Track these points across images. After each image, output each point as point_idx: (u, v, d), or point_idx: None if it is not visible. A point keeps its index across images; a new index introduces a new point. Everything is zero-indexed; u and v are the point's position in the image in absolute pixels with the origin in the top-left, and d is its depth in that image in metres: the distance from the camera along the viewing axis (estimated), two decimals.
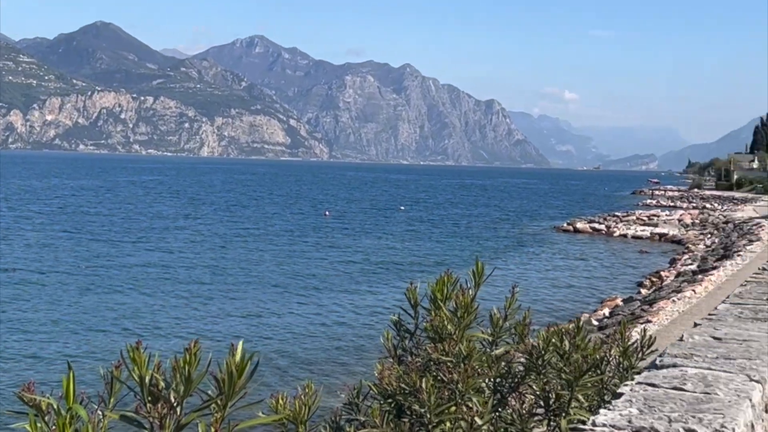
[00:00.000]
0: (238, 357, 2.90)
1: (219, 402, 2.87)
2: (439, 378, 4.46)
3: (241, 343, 2.99)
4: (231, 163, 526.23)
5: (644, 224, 77.26)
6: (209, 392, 2.95)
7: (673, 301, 28.79)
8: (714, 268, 38.51)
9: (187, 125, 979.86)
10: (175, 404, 2.88)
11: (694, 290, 30.48)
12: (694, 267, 43.00)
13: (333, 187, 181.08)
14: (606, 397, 4.76)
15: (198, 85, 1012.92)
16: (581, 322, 4.96)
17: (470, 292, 5.09)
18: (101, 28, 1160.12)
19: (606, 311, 32.49)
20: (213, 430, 2.86)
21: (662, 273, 43.49)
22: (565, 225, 78.41)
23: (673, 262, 49.65)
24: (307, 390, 4.42)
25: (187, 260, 48.79)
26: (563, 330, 4.80)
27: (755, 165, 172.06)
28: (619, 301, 35.00)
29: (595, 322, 29.23)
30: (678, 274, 41.16)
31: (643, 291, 38.37)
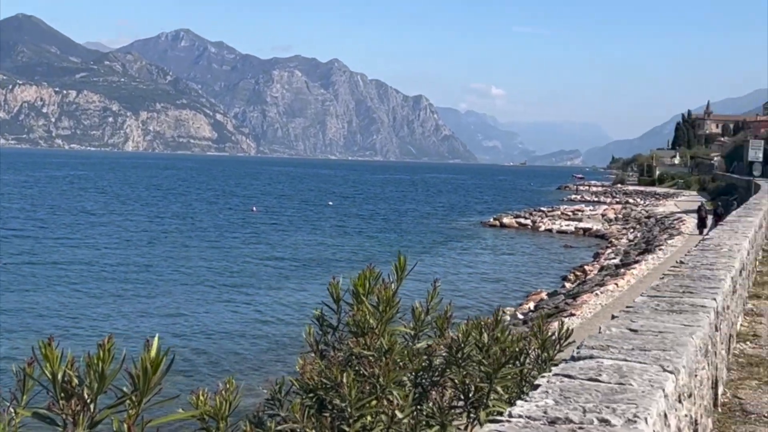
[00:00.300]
0: (153, 353, 2.87)
1: (133, 398, 2.84)
2: (360, 372, 4.48)
3: (156, 338, 2.96)
4: (156, 158, 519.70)
5: (569, 219, 78.34)
6: (124, 389, 2.92)
7: (596, 294, 29.28)
8: (636, 261, 39.25)
9: (111, 120, 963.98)
10: (88, 401, 2.84)
11: (616, 284, 31.02)
12: (617, 261, 43.77)
13: (260, 183, 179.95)
14: (525, 389, 4.82)
15: (122, 79, 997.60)
16: (500, 315, 5.02)
17: (393, 287, 5.11)
18: (23, 21, 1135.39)
19: (531, 305, 32.89)
20: (126, 426, 2.83)
21: (586, 267, 44.17)
22: (491, 220, 79.05)
23: (596, 256, 50.47)
24: (228, 386, 4.40)
25: (112, 257, 48.08)
26: (482, 323, 4.85)
27: (677, 161, 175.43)
28: (544, 295, 35.44)
29: (521, 316, 29.58)
30: (601, 268, 41.86)
31: (568, 285, 38.93)
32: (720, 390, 7.82)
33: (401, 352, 4.71)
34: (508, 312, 30.82)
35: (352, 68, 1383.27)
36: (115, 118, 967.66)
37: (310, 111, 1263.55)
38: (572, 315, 25.14)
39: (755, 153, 49.89)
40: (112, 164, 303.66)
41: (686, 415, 4.90)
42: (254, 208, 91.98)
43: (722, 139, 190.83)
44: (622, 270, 36.58)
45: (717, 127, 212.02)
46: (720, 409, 7.53)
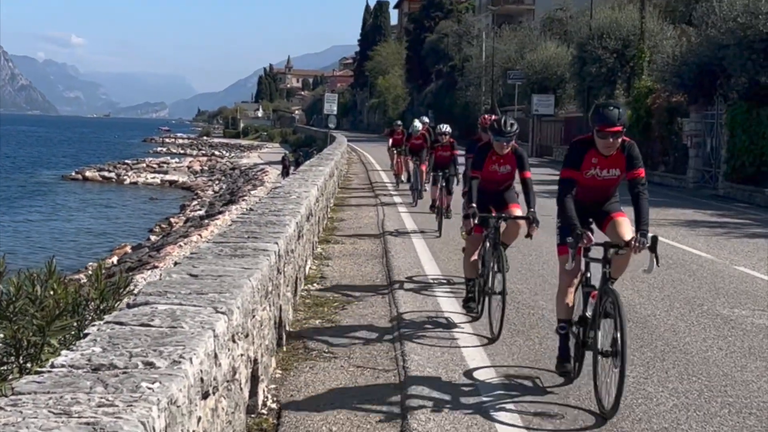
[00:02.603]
0: None
1: None
2: None
3: None
4: None
5: (155, 172, 77.54)
6: None
7: (180, 246, 29.39)
8: (220, 212, 39.93)
9: None
10: None
11: (200, 234, 31.33)
12: (202, 212, 44.24)
13: None
14: None
15: None
16: (53, 266, 4.89)
17: None
18: None
19: (114, 259, 32.24)
20: None
21: (172, 219, 44.11)
22: (74, 174, 76.20)
23: (182, 208, 50.58)
24: None
25: None
26: (35, 275, 4.70)
27: (260, 114, 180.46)
28: (128, 249, 34.87)
29: (104, 272, 28.91)
30: (187, 220, 42.08)
31: (153, 237, 38.65)
32: (286, 329, 8.21)
33: None
34: (90, 268, 30.05)
35: None
36: None
37: None
38: (155, 267, 25.09)
39: (330, 106, 52.35)
40: None
41: (242, 355, 5.09)
42: None
43: (303, 93, 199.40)
44: (207, 221, 37.04)
45: (298, 81, 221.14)
46: (285, 348, 7.92)
